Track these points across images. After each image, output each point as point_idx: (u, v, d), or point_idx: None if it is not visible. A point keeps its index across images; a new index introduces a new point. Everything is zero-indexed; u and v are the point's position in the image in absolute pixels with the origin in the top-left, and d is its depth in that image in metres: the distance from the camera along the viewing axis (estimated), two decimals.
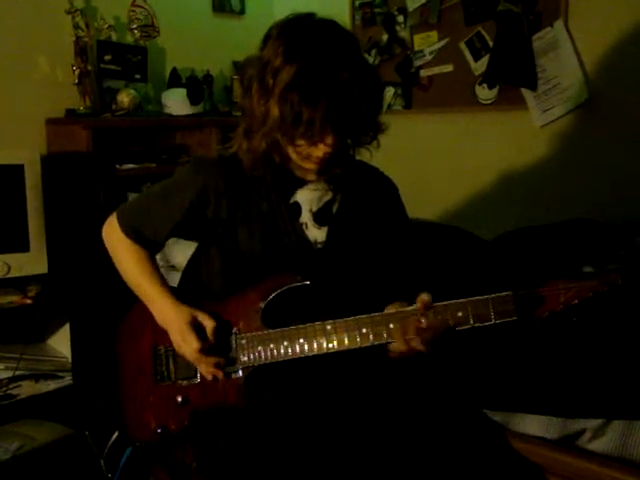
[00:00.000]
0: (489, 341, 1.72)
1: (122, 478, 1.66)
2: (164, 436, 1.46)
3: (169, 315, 1.43)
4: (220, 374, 1.41)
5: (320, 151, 1.29)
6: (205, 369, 1.42)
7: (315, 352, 1.34)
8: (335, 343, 1.33)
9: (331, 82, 1.22)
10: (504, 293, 1.24)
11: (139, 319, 1.52)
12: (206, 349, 1.39)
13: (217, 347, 1.41)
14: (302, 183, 1.43)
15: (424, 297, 1.28)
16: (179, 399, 1.45)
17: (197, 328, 1.40)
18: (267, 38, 1.32)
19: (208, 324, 1.40)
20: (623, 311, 1.57)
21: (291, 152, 1.34)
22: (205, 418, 1.44)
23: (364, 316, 1.31)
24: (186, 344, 1.40)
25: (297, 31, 1.29)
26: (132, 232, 1.50)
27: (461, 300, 1.26)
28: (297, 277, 1.39)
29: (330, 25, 1.31)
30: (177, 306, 1.43)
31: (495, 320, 1.24)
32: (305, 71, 1.23)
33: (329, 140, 1.27)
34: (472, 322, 1.25)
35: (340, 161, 1.36)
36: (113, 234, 1.53)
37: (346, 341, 1.32)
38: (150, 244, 1.52)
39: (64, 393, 2.29)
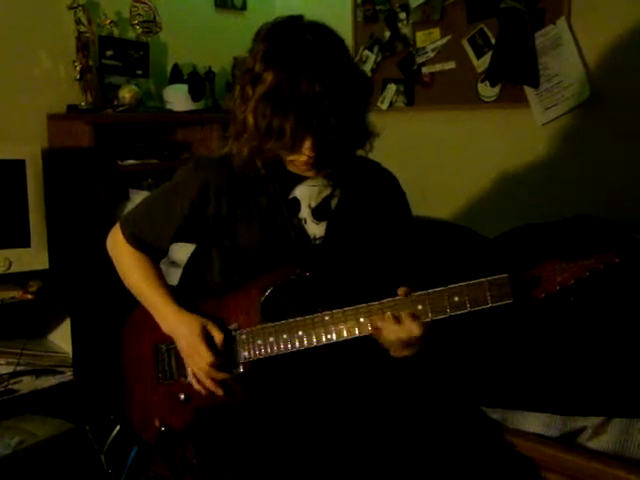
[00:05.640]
0: (488, 333, 1.72)
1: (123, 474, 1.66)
2: (168, 434, 1.46)
3: (177, 325, 1.43)
4: (220, 392, 1.41)
5: (303, 156, 1.30)
6: (210, 384, 1.41)
7: (315, 344, 1.34)
8: (334, 334, 1.33)
9: (301, 94, 1.21)
10: (500, 275, 1.23)
11: (140, 319, 1.52)
12: (215, 364, 1.38)
13: (224, 361, 1.41)
14: (301, 179, 1.43)
15: (403, 289, 1.29)
16: (182, 397, 1.45)
17: (207, 339, 1.40)
18: (255, 39, 1.32)
19: (217, 336, 1.40)
20: (620, 290, 1.56)
21: (280, 155, 1.34)
22: (208, 415, 1.44)
23: (362, 305, 1.31)
24: (199, 356, 1.39)
25: (278, 38, 1.28)
26: (135, 240, 1.50)
27: (457, 284, 1.25)
28: (295, 269, 1.39)
29: (315, 31, 1.28)
30: (185, 316, 1.43)
31: (492, 303, 1.23)
32: (278, 82, 1.23)
33: (306, 150, 1.27)
34: (469, 306, 1.24)
35: (333, 161, 1.35)
36: (117, 243, 1.53)
37: (344, 331, 1.32)
38: (153, 251, 1.52)
39: (65, 388, 2.29)
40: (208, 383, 1.40)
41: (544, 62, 2.67)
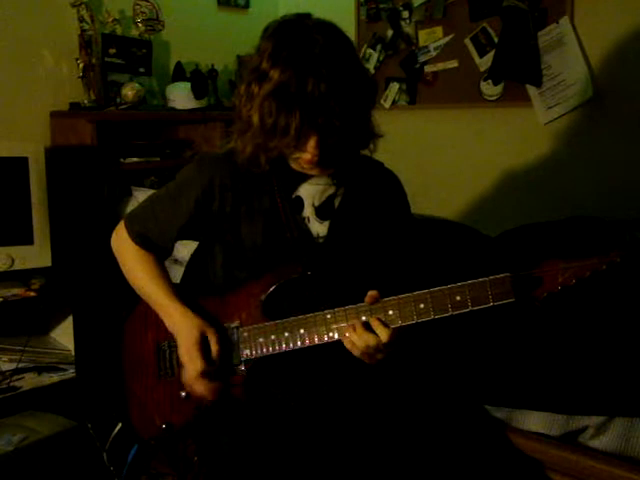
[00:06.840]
0: (490, 332, 1.72)
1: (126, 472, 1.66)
2: (169, 432, 1.46)
3: (180, 327, 1.43)
4: (210, 398, 1.40)
5: (307, 155, 1.30)
6: (198, 390, 1.40)
7: (316, 342, 1.34)
8: (335, 332, 1.33)
9: (307, 93, 1.21)
10: (501, 275, 1.24)
11: (143, 316, 1.53)
12: (207, 373, 1.38)
13: (218, 370, 1.41)
14: (305, 177, 1.43)
15: (372, 293, 1.30)
16: (183, 394, 1.45)
17: (204, 344, 1.40)
18: (262, 37, 1.32)
19: (214, 347, 1.40)
20: (623, 289, 1.56)
21: (284, 152, 1.34)
22: (209, 413, 1.44)
23: (363, 304, 1.31)
24: (191, 362, 1.39)
25: (285, 37, 1.27)
26: (140, 238, 1.50)
27: (458, 284, 1.26)
28: (298, 268, 1.40)
29: (323, 30, 1.28)
30: (187, 318, 1.42)
31: (493, 302, 1.23)
32: (284, 80, 1.22)
33: (310, 148, 1.28)
34: (470, 305, 1.24)
35: (336, 160, 1.35)
36: (121, 241, 1.53)
37: (346, 329, 1.32)
38: (158, 249, 1.52)
39: (67, 385, 2.29)
40: (198, 388, 1.40)
41: (547, 61, 2.67)
